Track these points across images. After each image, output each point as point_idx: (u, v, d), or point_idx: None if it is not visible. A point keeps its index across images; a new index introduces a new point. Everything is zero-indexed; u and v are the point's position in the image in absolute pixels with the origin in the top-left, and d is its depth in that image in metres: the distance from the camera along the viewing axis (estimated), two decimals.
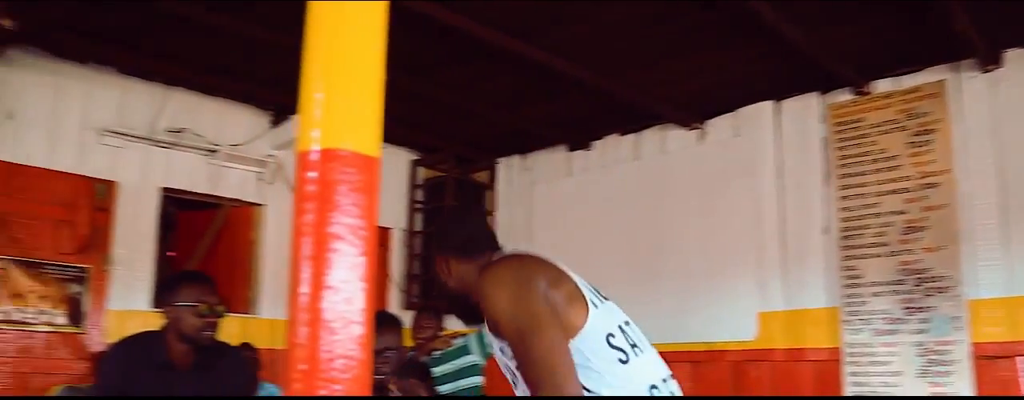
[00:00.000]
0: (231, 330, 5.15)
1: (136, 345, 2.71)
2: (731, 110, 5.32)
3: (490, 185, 6.63)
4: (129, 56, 4.91)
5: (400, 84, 5.11)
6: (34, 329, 4.39)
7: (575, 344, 1.66)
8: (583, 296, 1.73)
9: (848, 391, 4.54)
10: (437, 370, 3.90)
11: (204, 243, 5.67)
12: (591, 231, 5.79)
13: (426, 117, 5.88)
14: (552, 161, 6.29)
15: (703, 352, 5.08)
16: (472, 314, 1.88)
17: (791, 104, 5.07)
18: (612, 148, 5.92)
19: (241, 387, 2.85)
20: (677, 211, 5.40)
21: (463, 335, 4.05)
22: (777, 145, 5.07)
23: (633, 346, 1.77)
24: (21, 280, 4.42)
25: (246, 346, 4.52)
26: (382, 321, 2.90)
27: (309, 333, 0.87)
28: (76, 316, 4.57)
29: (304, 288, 0.88)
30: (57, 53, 4.85)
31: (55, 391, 4.12)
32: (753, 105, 5.19)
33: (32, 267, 4.48)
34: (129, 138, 5.05)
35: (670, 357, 5.18)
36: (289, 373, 0.87)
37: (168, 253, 6.07)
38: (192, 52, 4.83)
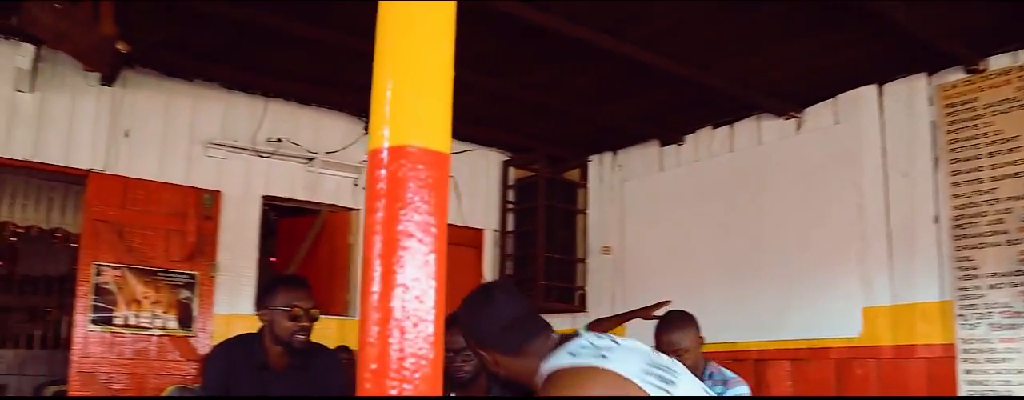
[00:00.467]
0: (329, 332, 5.31)
1: (236, 347, 2.82)
2: (831, 96, 5.09)
3: (581, 183, 6.59)
4: (231, 71, 5.13)
5: (487, 85, 5.15)
6: (149, 333, 4.65)
7: None
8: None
9: (963, 390, 4.26)
10: None
11: (303, 248, 5.85)
12: (685, 227, 5.67)
13: (515, 117, 5.89)
14: (644, 157, 6.19)
15: (805, 350, 4.87)
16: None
17: (896, 87, 4.80)
18: (705, 141, 5.77)
19: (334, 388, 2.91)
20: (775, 204, 5.21)
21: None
22: (881, 131, 4.82)
23: None
24: (137, 287, 4.68)
25: (343, 348, 4.64)
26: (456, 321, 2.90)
27: (379, 332, 0.86)
28: (186, 320, 4.80)
29: (375, 287, 0.88)
30: (167, 72, 5.14)
31: (168, 391, 4.35)
32: (854, 90, 4.95)
33: (146, 274, 4.73)
34: (232, 149, 5.28)
35: (770, 355, 5.03)
36: (361, 373, 0.87)
37: (270, 258, 6.31)
38: (288, 64, 5.00)
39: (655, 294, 5.69)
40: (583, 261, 6.34)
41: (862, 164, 4.84)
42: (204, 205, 5.02)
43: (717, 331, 5.17)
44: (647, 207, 6.02)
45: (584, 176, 6.60)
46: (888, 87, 4.83)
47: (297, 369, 2.83)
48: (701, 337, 3.16)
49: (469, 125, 6.13)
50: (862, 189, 4.82)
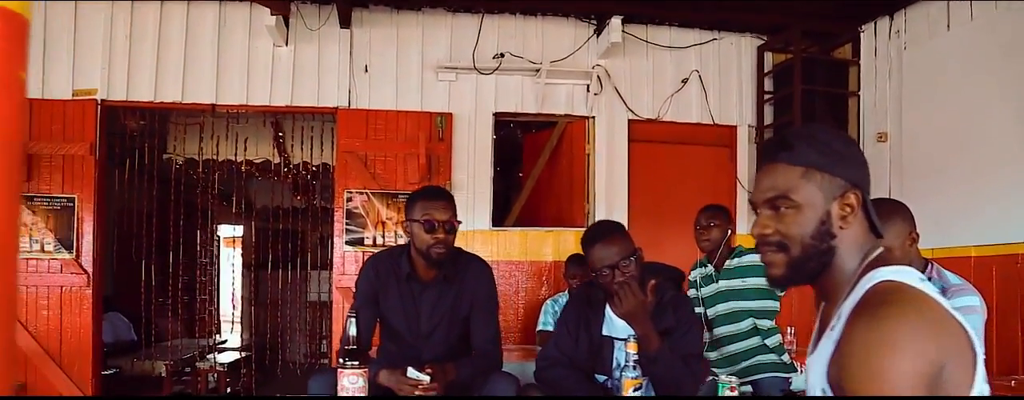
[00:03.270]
0: (569, 246, 5.24)
1: (384, 260, 2.85)
2: None
3: (854, 60, 5.57)
4: None
5: None
6: None
7: None
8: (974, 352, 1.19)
9: None
10: (722, 284, 3.38)
11: (540, 161, 5.80)
12: (980, 100, 4.49)
13: None
14: (927, 15, 5.01)
15: None
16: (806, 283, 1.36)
17: None
18: None
19: (482, 297, 2.81)
20: None
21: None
22: None
23: None
24: (381, 209, 5.04)
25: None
26: (608, 230, 2.59)
27: None
28: None
29: None
30: (396, 6, 5.36)
31: None
32: None
33: (388, 197, 5.06)
34: (460, 70, 5.36)
35: None
36: None
37: (519, 174, 6.38)
38: None
39: (940, 187, 4.67)
40: None
41: None
42: (436, 127, 5.19)
43: (1020, 229, 4.10)
44: (931, 79, 4.89)
45: (856, 52, 5.57)
46: None
47: (445, 280, 2.79)
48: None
49: (710, 10, 5.48)
50: None
